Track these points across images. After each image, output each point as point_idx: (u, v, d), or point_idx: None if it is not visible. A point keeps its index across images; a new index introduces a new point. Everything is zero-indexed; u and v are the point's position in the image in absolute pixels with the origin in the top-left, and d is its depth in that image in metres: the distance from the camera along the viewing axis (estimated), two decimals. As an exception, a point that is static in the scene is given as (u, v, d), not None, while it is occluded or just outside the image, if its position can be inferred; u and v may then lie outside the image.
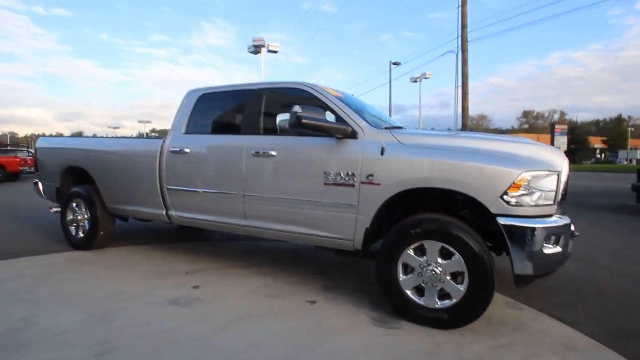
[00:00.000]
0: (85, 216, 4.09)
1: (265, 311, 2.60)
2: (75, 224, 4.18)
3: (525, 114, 73.04)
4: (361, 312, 2.59)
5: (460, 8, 19.11)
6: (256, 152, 2.95)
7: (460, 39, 19.82)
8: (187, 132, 3.44)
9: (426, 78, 23.79)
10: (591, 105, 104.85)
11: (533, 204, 2.20)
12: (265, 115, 3.16)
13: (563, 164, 2.34)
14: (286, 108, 3.11)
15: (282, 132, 3.12)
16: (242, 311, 2.59)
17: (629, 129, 50.62)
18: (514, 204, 2.18)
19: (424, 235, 2.34)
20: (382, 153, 2.49)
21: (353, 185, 2.55)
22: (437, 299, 2.36)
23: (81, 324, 2.37)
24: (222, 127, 3.52)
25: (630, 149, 53.63)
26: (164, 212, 3.55)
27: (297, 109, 2.47)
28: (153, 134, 65.61)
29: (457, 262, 2.27)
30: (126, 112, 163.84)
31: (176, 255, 3.95)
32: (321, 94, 2.90)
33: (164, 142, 3.52)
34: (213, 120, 3.50)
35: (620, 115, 58.66)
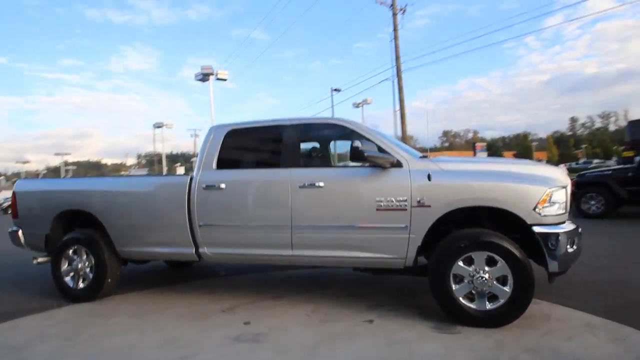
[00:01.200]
0: (87, 263, 3.76)
1: (333, 335, 2.74)
2: (72, 274, 3.81)
3: (445, 133, 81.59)
4: (419, 324, 2.87)
5: (393, 41, 21.15)
6: (302, 185, 3.13)
7: (395, 68, 21.81)
8: (219, 168, 3.47)
9: (367, 104, 25.71)
10: (496, 124, 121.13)
11: (555, 213, 2.75)
12: (304, 149, 3.36)
13: (567, 179, 2.96)
14: (323, 142, 3.36)
15: (322, 164, 3.34)
16: (313, 338, 2.69)
17: (533, 143, 59.40)
18: (543, 214, 2.70)
19: (473, 247, 2.74)
20: (429, 179, 2.88)
21: (405, 209, 2.88)
22: (487, 302, 2.75)
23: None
24: (258, 161, 3.61)
25: (536, 159, 63.01)
26: (192, 251, 3.47)
27: (357, 144, 2.76)
28: (70, 166, 58.73)
29: (502, 267, 2.70)
30: (30, 144, 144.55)
31: (194, 296, 3.82)
32: (360, 128, 3.22)
33: (191, 178, 3.49)
34: (247, 155, 3.58)
35: (525, 132, 68.54)
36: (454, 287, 2.79)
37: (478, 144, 33.26)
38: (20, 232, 4.04)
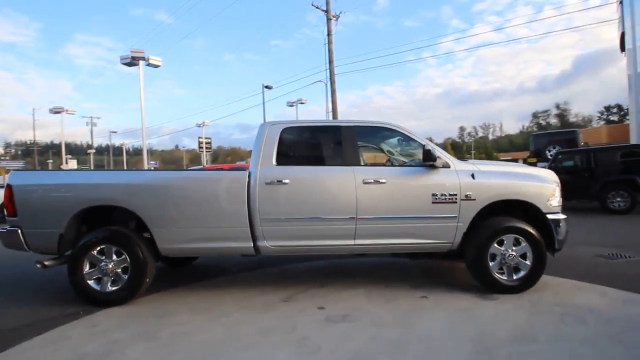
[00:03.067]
0: (120, 264, 3.47)
1: (406, 310, 3.19)
2: (99, 276, 3.46)
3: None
4: (463, 296, 3.49)
5: (326, 46, 22.03)
6: (367, 181, 3.50)
7: (328, 71, 22.76)
8: (279, 164, 3.58)
9: (302, 103, 26.23)
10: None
11: (557, 204, 3.68)
12: (362, 148, 3.72)
13: (557, 178, 3.92)
14: (377, 142, 3.77)
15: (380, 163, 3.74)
16: (394, 313, 3.11)
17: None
18: (552, 205, 3.60)
19: (504, 232, 3.49)
20: (473, 178, 3.54)
21: (455, 202, 3.50)
22: (513, 274, 3.53)
23: None
24: (318, 158, 3.80)
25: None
26: (250, 245, 3.52)
27: (429, 147, 3.27)
28: None
29: (525, 246, 3.51)
30: None
31: (235, 291, 3.85)
32: (411, 133, 3.73)
33: (250, 173, 3.53)
34: (306, 152, 3.75)
35: (429, 137, 77.14)
36: (490, 264, 3.51)
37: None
38: (19, 232, 3.47)
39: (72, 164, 41.22)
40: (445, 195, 3.51)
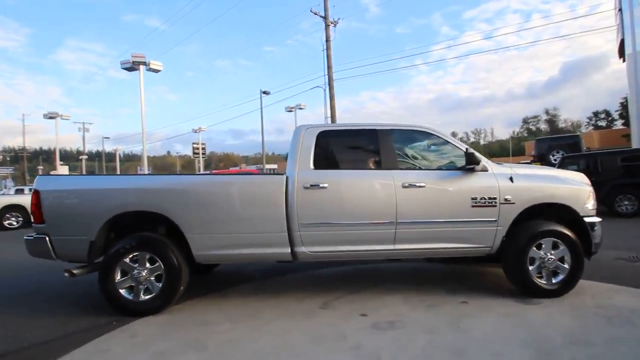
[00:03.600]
0: (153, 272, 3.35)
1: (450, 315, 3.13)
2: (132, 284, 3.34)
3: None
4: (507, 300, 3.45)
5: (325, 52, 22.11)
6: (406, 185, 3.46)
7: (327, 77, 22.82)
8: (317, 168, 3.53)
9: (301, 108, 26.14)
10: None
11: (592, 207, 3.68)
12: (398, 152, 3.68)
13: (589, 182, 3.94)
14: (414, 145, 3.74)
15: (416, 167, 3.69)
16: (440, 319, 3.05)
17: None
18: (588, 209, 3.60)
19: (543, 235, 3.48)
20: (511, 181, 3.53)
21: (495, 206, 3.48)
22: (552, 278, 3.51)
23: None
24: (355, 162, 3.75)
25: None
26: (288, 250, 3.44)
27: (470, 150, 3.25)
28: None
29: (563, 250, 3.50)
30: None
31: (265, 297, 3.77)
32: (446, 136, 3.71)
33: (287, 177, 3.47)
34: (343, 156, 3.70)
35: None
36: (530, 268, 3.48)
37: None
38: (47, 240, 3.34)
39: (64, 170, 40.40)
40: (485, 198, 3.48)
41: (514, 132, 73.43)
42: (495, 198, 3.49)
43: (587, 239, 3.58)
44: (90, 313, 3.44)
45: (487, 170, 3.58)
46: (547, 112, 65.47)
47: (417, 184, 3.48)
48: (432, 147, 3.80)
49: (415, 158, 3.70)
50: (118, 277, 3.33)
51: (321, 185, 3.43)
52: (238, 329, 2.98)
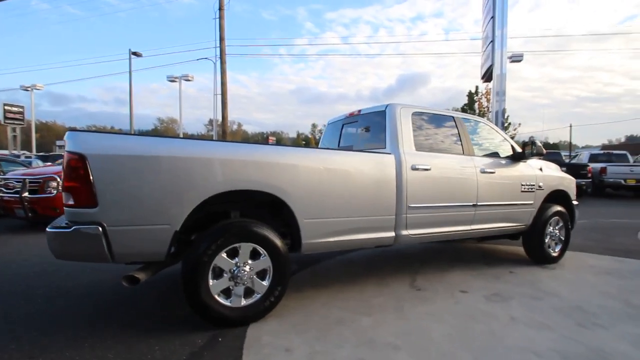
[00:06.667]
0: (255, 268, 2.66)
1: (528, 281, 3.67)
2: (228, 286, 2.57)
3: (210, 121, 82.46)
4: (536, 268, 4.21)
5: (218, 20, 20.35)
6: (483, 170, 3.78)
7: (219, 49, 21.07)
8: (418, 150, 3.43)
9: (188, 80, 22.52)
10: (253, 119, 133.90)
11: (575, 194, 4.85)
12: (472, 139, 3.93)
13: None
14: (478, 135, 4.07)
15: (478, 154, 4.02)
16: (528, 286, 3.53)
17: (302, 142, 69.95)
18: (573, 194, 4.74)
19: (554, 215, 4.41)
20: (541, 171, 4.31)
21: (533, 191, 4.18)
22: (555, 248, 4.50)
23: None
24: (445, 146, 3.71)
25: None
26: (392, 234, 3.28)
27: (536, 140, 3.81)
28: None
29: (562, 226, 4.52)
30: None
31: (347, 286, 3.51)
32: (498, 130, 4.19)
33: (395, 158, 3.26)
34: (433, 139, 3.64)
35: (281, 131, 79.44)
36: (545, 240, 4.36)
37: (270, 137, 37.26)
38: (101, 232, 2.19)
39: None
40: (528, 185, 4.15)
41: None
42: (534, 185, 4.20)
43: (572, 216, 4.72)
44: (170, 329, 2.48)
45: (525, 161, 4.25)
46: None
47: (490, 170, 3.85)
48: (488, 137, 4.22)
49: (480, 146, 4.04)
50: (211, 278, 2.49)
51: (425, 167, 3.39)
52: (386, 321, 2.71)
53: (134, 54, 22.38)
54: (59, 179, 6.15)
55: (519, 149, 4.21)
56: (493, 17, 13.08)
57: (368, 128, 3.84)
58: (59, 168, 6.77)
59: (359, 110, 3.98)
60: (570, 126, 46.66)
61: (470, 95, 30.91)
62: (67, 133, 2.26)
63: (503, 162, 4.08)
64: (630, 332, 2.58)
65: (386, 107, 3.54)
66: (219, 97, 21.95)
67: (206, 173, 2.44)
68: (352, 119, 4.12)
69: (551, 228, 4.39)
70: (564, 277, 3.89)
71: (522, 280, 3.73)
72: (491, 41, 13.42)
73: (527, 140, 4.11)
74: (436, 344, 2.38)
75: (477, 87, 30.17)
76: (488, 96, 25.69)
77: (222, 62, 20.87)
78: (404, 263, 4.34)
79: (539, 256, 4.35)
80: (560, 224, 4.48)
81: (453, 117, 3.91)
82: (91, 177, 2.17)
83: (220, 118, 21.19)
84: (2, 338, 2.40)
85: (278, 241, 2.70)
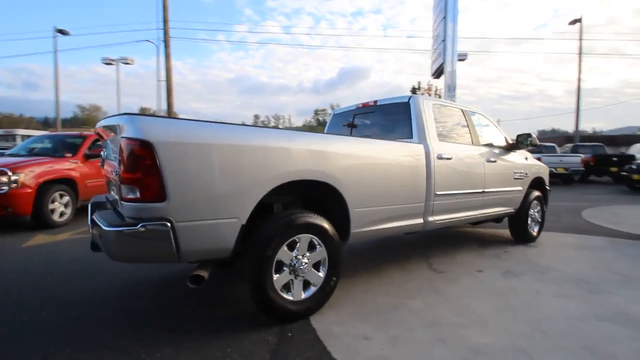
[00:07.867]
0: (312, 260, 2.61)
1: (522, 258, 4.08)
2: (289, 280, 2.50)
3: (142, 110, 76.39)
4: (523, 246, 4.71)
5: (161, 1, 18.96)
6: (488, 160, 4.10)
7: (163, 32, 19.67)
8: (440, 140, 3.59)
9: (127, 64, 20.07)
10: (190, 108, 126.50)
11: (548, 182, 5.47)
12: (477, 130, 4.22)
13: None
14: (480, 126, 4.37)
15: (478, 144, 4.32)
16: (518, 262, 3.94)
17: None
18: (547, 180, 5.35)
19: (535, 199, 4.95)
20: (526, 160, 4.79)
21: (522, 178, 4.65)
22: (535, 228, 5.05)
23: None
24: (458, 136, 3.89)
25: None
26: (420, 221, 3.43)
27: (532, 133, 4.22)
28: None
29: (540, 208, 5.10)
30: None
31: (370, 272, 3.61)
32: (495, 123, 4.55)
33: (424, 148, 3.39)
34: (448, 130, 3.81)
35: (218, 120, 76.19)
36: (529, 222, 4.88)
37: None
38: (170, 229, 1.99)
39: None
40: (519, 172, 4.60)
41: (306, 121, 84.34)
42: (523, 172, 4.66)
43: (546, 200, 5.33)
44: (228, 329, 2.32)
45: (515, 152, 4.70)
46: (332, 107, 78.84)
47: (493, 159, 4.18)
48: (486, 129, 4.55)
49: (481, 137, 4.36)
50: (274, 273, 2.39)
51: (448, 157, 3.58)
52: (433, 303, 2.84)
53: (60, 31, 19.83)
54: (9, 172, 5.29)
55: (510, 140, 4.63)
56: (445, 17, 13.96)
57: (388, 119, 3.93)
58: (8, 160, 5.80)
59: (375, 101, 4.04)
60: (498, 121, 51.97)
61: (413, 91, 32.65)
62: (123, 116, 1.98)
63: (499, 151, 4.46)
64: (633, 295, 3.04)
65: (409, 99, 3.65)
66: (163, 83, 20.52)
67: (277, 163, 2.33)
68: (366, 109, 4.17)
69: (532, 211, 4.92)
70: (549, 253, 4.40)
71: (519, 258, 4.15)
72: (443, 40, 14.32)
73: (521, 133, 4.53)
74: (492, 319, 2.58)
75: (419, 83, 31.94)
76: (429, 92, 27.32)
77: (167, 46, 19.53)
78: (409, 249, 4.55)
79: (522, 236, 4.86)
80: (539, 207, 5.05)
81: (462, 109, 4.17)
82: (160, 168, 1.94)
83: (165, 107, 19.78)
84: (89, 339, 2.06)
85: (333, 232, 2.68)
